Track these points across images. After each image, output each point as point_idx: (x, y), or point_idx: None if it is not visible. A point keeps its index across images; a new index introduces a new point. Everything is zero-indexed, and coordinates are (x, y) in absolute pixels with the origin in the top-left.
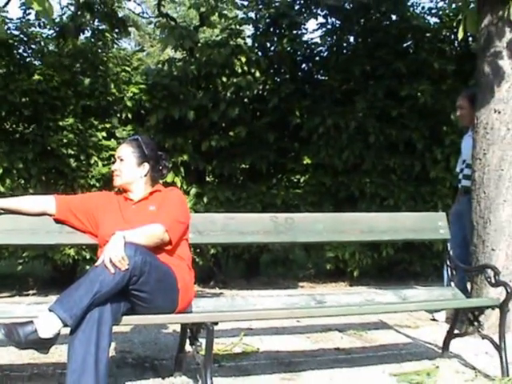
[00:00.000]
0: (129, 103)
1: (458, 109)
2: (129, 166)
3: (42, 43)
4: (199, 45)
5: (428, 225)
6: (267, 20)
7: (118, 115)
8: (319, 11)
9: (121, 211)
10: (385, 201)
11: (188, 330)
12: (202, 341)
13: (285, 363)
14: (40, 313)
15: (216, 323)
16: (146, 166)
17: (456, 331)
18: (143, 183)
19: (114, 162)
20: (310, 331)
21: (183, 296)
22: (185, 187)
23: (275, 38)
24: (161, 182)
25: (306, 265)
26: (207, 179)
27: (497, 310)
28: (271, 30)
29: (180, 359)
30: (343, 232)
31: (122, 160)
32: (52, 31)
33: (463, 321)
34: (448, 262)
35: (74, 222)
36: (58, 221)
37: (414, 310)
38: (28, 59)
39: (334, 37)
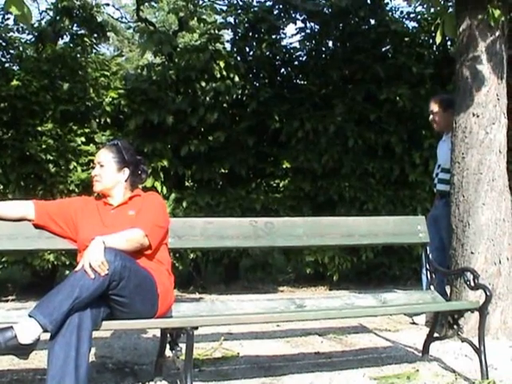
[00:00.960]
0: (108, 108)
1: (429, 114)
2: (109, 172)
3: (21, 48)
4: (178, 49)
5: (407, 229)
6: (246, 25)
7: (97, 120)
8: (298, 16)
9: (100, 216)
10: (364, 205)
11: (168, 335)
12: (182, 345)
13: (265, 367)
14: (20, 318)
15: (196, 328)
16: (126, 172)
17: (436, 334)
18: (123, 188)
19: (93, 168)
20: (289, 335)
21: (163, 301)
22: (164, 192)
23: (254, 43)
24: (140, 186)
25: (286, 269)
26: (186, 184)
27: (476, 313)
28: (250, 34)
29: (160, 364)
30: (323, 236)
31: (102, 166)
32: (31, 36)
33: (443, 324)
34: (427, 266)
35: (54, 227)
36: (37, 226)
37: (393, 314)
38: (6, 64)
39: (313, 41)
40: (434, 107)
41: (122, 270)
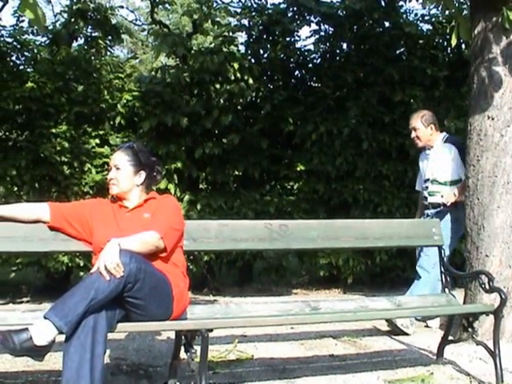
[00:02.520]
0: (122, 110)
1: (411, 131)
2: (125, 175)
3: (35, 50)
4: (192, 52)
5: (422, 231)
6: (260, 27)
7: (111, 122)
8: (312, 18)
9: (115, 219)
10: (378, 207)
11: (183, 337)
12: (197, 348)
13: (279, 370)
14: (35, 320)
15: (211, 330)
16: (143, 174)
17: (450, 337)
18: (139, 191)
19: (108, 170)
20: (304, 338)
21: (178, 303)
22: (178, 194)
23: (268, 45)
24: (154, 188)
25: (300, 272)
26: (200, 186)
27: (491, 316)
28: (264, 37)
29: (174, 366)
30: (337, 239)
31: (118, 168)
32: (45, 38)
33: (457, 327)
34: (442, 269)
35: (69, 229)
36: (52, 228)
37: (408, 317)
38: (21, 67)
39: (327, 44)
40: (416, 124)
41: (137, 272)
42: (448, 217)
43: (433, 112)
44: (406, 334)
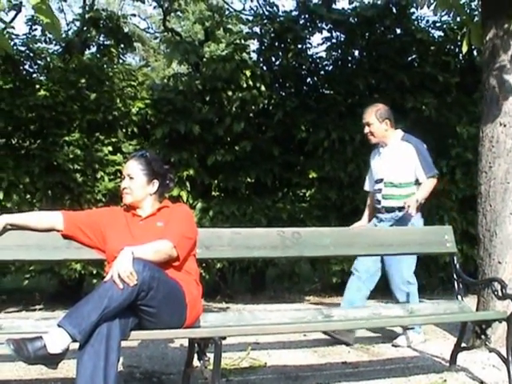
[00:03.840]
0: (134, 118)
1: (364, 126)
2: (139, 184)
3: (48, 59)
4: (204, 59)
5: (435, 238)
6: (272, 34)
7: (124, 130)
8: (324, 25)
9: (128, 227)
10: None
11: (196, 345)
12: (210, 355)
13: (292, 377)
14: (49, 328)
15: (224, 338)
16: (156, 183)
17: (463, 344)
18: (152, 200)
19: (120, 178)
20: (316, 345)
21: (191, 311)
22: (190, 201)
23: (280, 53)
24: (166, 196)
25: (312, 278)
26: (213, 193)
27: (504, 323)
28: (276, 44)
29: (188, 374)
30: (350, 246)
31: (131, 178)
32: (58, 47)
33: (470, 334)
34: (455, 276)
35: (82, 237)
36: (65, 236)
37: (421, 324)
38: (34, 75)
39: (339, 51)
40: (370, 118)
41: (150, 280)
42: (404, 223)
43: (389, 107)
44: (349, 344)
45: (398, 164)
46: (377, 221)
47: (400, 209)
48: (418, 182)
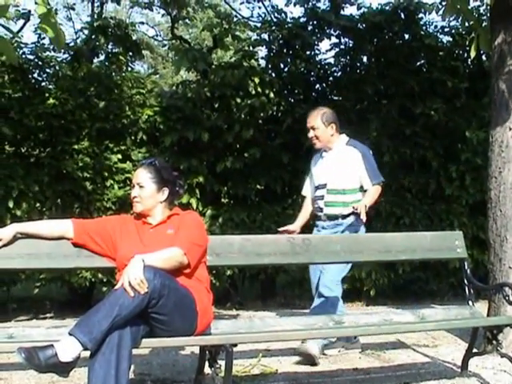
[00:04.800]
0: (143, 125)
1: (309, 130)
2: (149, 193)
3: (57, 67)
4: (213, 67)
5: (445, 244)
6: (280, 41)
7: (133, 137)
8: (332, 31)
9: (139, 235)
10: (400, 220)
11: (207, 352)
12: (221, 362)
13: None
14: (60, 336)
15: (235, 345)
16: (166, 191)
17: (475, 350)
18: (162, 207)
19: (130, 186)
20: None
21: (202, 318)
22: (200, 209)
23: (288, 59)
24: (176, 203)
25: None
26: (222, 200)
27: None
28: (284, 51)
29: (199, 381)
30: (360, 252)
31: (141, 186)
32: (66, 55)
33: (482, 339)
34: (466, 281)
35: (92, 245)
36: (76, 245)
37: (432, 330)
38: (43, 83)
39: (347, 57)
40: (315, 122)
41: (161, 288)
42: (348, 231)
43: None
44: (315, 364)
45: (343, 170)
46: (317, 229)
47: (344, 216)
48: (362, 189)
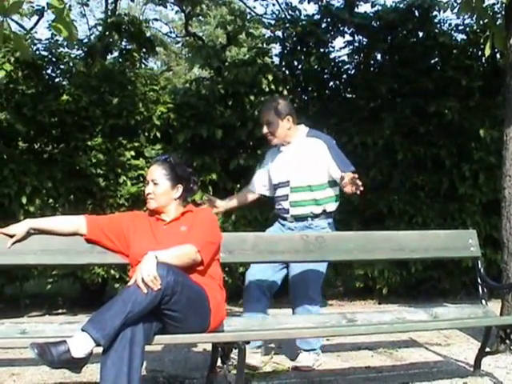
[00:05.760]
0: (157, 122)
1: (264, 125)
2: (163, 190)
3: (71, 64)
4: (226, 64)
5: (459, 243)
6: (294, 38)
7: (146, 134)
8: (346, 29)
9: (152, 231)
10: (413, 218)
11: (219, 349)
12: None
13: (315, 382)
14: (72, 332)
15: (248, 342)
16: (180, 188)
17: (487, 349)
18: (176, 204)
19: (143, 182)
20: (340, 350)
21: (215, 315)
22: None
23: (302, 57)
24: (189, 200)
25: (335, 283)
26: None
27: None
28: (298, 48)
29: (211, 378)
30: (373, 250)
31: (155, 183)
32: (80, 52)
33: (495, 338)
34: (479, 280)
35: (106, 241)
36: (89, 241)
37: (445, 328)
38: (56, 80)
39: (361, 54)
40: (269, 116)
41: (174, 284)
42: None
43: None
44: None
45: (306, 164)
46: (284, 228)
47: (314, 216)
48: (332, 184)
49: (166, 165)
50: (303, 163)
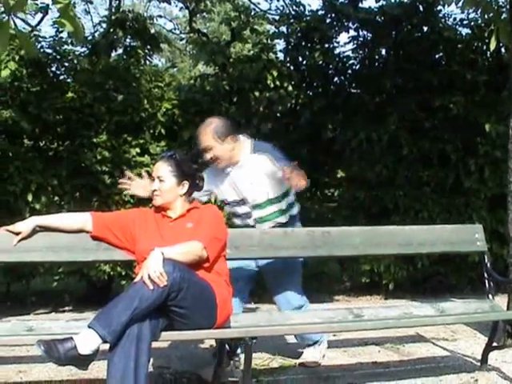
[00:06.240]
0: (162, 119)
1: (208, 151)
2: (169, 186)
3: (75, 61)
4: (231, 60)
5: (465, 237)
6: (299, 34)
7: (151, 131)
8: (350, 24)
9: (158, 228)
10: (419, 213)
11: (226, 345)
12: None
13: (322, 378)
14: (79, 329)
15: (255, 338)
16: (186, 185)
17: (494, 344)
18: (182, 201)
19: (150, 180)
20: (346, 345)
21: (221, 311)
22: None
23: (307, 52)
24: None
25: (341, 278)
26: None
27: None
28: (303, 43)
29: (218, 374)
30: (380, 245)
31: (161, 180)
32: (84, 49)
33: (502, 333)
34: (486, 275)
35: (112, 238)
36: (95, 238)
37: (452, 323)
38: (61, 77)
39: (366, 50)
40: (208, 142)
41: (180, 281)
42: None
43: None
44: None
45: (261, 181)
46: None
47: (282, 225)
48: (290, 189)
49: (172, 161)
50: (257, 181)
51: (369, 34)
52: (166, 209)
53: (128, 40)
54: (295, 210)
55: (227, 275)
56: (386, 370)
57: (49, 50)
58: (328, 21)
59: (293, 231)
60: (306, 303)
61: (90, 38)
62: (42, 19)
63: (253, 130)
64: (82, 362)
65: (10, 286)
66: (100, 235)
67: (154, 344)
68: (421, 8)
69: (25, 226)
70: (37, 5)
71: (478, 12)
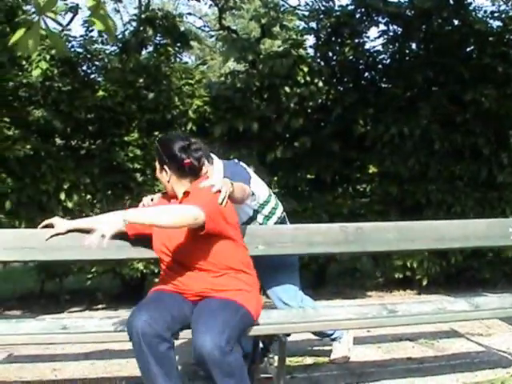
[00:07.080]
0: (193, 116)
1: None
2: (158, 175)
3: (106, 60)
4: (261, 56)
5: (499, 231)
6: (328, 29)
7: (183, 128)
8: (380, 19)
9: None
10: (451, 208)
11: (260, 342)
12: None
13: (356, 374)
14: (113, 327)
15: (289, 335)
16: (167, 170)
17: None
18: (180, 184)
19: None
20: (380, 341)
21: (255, 314)
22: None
23: (337, 47)
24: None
25: (374, 274)
26: (273, 190)
27: None
28: (333, 39)
29: (252, 371)
30: (413, 241)
31: (154, 169)
32: (115, 47)
33: None
34: None
35: (146, 230)
36: (131, 235)
37: (487, 318)
38: (92, 76)
39: (396, 44)
40: None
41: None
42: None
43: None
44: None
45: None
46: None
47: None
48: (271, 196)
49: (156, 150)
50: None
51: (399, 28)
52: (173, 196)
53: (158, 38)
54: (279, 211)
55: (246, 265)
56: (421, 366)
57: (79, 49)
58: (358, 16)
59: (327, 227)
60: (304, 303)
61: (120, 36)
62: (72, 19)
63: (283, 125)
64: None
65: (44, 285)
66: (134, 232)
67: (187, 341)
68: (451, 1)
69: (62, 226)
70: (67, 5)
71: (509, 4)
